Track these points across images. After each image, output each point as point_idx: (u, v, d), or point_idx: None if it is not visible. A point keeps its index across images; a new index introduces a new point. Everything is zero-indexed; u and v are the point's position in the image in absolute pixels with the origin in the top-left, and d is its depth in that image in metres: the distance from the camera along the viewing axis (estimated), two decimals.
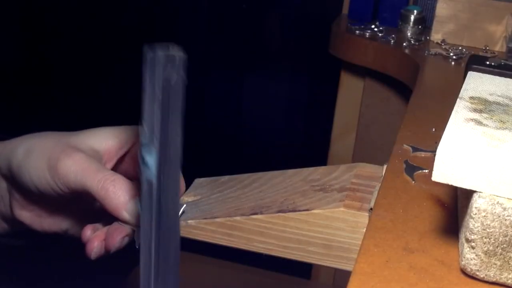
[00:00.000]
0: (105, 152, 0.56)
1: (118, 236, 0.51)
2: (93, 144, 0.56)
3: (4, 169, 0.57)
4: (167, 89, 0.45)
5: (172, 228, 0.44)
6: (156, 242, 0.43)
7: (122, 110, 1.89)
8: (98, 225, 0.55)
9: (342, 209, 0.52)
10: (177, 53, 0.46)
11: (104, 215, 0.54)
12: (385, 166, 0.56)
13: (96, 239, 0.53)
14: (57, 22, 1.90)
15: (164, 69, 0.45)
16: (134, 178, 0.52)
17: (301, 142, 1.88)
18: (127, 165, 0.58)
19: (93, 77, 1.91)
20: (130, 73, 1.86)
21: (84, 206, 0.58)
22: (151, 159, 0.44)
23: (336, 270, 1.47)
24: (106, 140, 0.56)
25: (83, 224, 0.58)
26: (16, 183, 0.56)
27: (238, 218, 0.54)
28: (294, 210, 0.53)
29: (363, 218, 0.51)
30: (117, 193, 0.50)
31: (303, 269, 1.59)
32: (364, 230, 0.49)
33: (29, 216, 0.58)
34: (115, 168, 0.57)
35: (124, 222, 0.51)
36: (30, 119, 1.92)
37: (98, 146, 0.56)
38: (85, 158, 0.53)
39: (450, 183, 0.37)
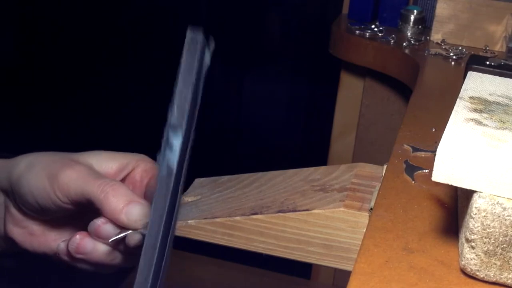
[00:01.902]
0: (104, 174, 0.56)
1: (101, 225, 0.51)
2: (93, 164, 0.56)
3: (3, 182, 0.57)
4: (200, 73, 0.46)
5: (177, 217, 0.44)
6: (165, 227, 0.44)
7: (120, 110, 1.90)
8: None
9: (342, 209, 0.52)
10: (212, 40, 0.47)
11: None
12: (385, 166, 0.56)
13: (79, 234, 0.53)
14: (56, 22, 1.90)
15: (202, 54, 0.46)
16: None
17: (301, 142, 1.88)
18: None
19: (92, 77, 1.91)
20: (129, 73, 1.86)
21: (78, 225, 0.58)
22: (177, 142, 0.44)
23: (336, 270, 1.47)
24: (106, 162, 0.57)
25: None
26: (14, 196, 0.56)
27: (238, 218, 0.54)
28: (294, 210, 0.53)
29: (363, 218, 0.51)
30: (116, 196, 0.50)
31: (303, 269, 1.59)
32: (364, 230, 0.49)
33: (20, 233, 0.57)
34: None
35: (123, 225, 0.51)
36: (29, 119, 1.92)
37: (98, 167, 0.56)
38: (86, 168, 0.53)
39: (450, 183, 0.37)
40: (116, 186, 0.51)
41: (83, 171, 0.53)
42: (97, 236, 0.52)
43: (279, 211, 0.53)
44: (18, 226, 0.57)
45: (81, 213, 0.55)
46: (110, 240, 0.51)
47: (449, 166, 0.37)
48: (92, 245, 0.53)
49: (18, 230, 0.57)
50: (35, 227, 0.57)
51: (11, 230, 0.57)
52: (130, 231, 0.50)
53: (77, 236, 0.53)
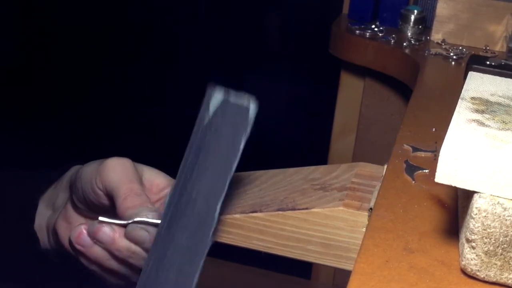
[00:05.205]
0: (152, 185, 0.58)
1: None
2: (145, 174, 0.58)
3: (72, 178, 0.59)
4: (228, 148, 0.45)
5: None
6: None
7: (121, 110, 1.90)
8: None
9: (341, 208, 0.51)
10: (250, 103, 0.46)
11: None
12: (385, 166, 0.56)
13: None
14: (56, 22, 1.90)
15: (233, 124, 0.45)
16: None
17: (301, 142, 1.88)
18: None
19: (92, 77, 1.91)
20: (130, 73, 1.86)
21: None
22: None
23: (336, 270, 1.46)
24: (157, 174, 0.59)
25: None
26: (71, 191, 0.58)
27: (237, 215, 0.54)
28: (293, 209, 0.53)
29: (362, 217, 0.51)
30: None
31: (303, 269, 1.59)
32: (363, 229, 0.49)
33: (65, 227, 0.59)
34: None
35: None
36: (29, 119, 1.92)
37: (149, 176, 0.58)
38: (131, 167, 0.55)
39: (453, 184, 0.37)
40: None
41: (127, 166, 0.54)
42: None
43: (279, 209, 0.53)
44: (65, 221, 0.60)
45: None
46: (100, 218, 0.52)
47: (453, 167, 0.37)
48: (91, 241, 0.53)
49: (64, 224, 0.60)
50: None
51: (59, 224, 0.60)
52: (125, 221, 0.51)
53: (81, 227, 0.54)
